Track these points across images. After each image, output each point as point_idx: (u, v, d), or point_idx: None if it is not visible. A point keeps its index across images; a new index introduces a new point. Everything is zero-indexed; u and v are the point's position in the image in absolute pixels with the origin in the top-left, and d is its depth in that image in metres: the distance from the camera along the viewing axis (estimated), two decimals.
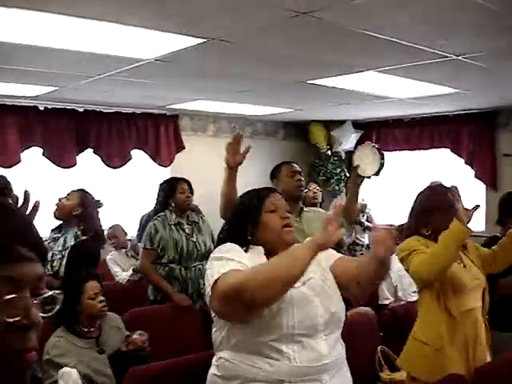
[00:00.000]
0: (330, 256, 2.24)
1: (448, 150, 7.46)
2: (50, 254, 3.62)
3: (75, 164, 6.66)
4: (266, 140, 8.43)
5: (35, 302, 0.81)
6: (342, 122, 8.16)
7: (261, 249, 2.12)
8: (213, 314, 2.11)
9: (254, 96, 6.05)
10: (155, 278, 4.19)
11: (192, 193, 4.44)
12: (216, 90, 5.73)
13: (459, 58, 4.05)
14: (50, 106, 6.47)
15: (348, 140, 8.10)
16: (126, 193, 7.09)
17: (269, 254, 2.11)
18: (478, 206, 2.76)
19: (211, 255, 2.13)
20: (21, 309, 0.79)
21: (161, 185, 4.57)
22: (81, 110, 6.71)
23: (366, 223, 7.10)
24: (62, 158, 6.55)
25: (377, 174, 3.34)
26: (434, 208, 2.91)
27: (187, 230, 4.30)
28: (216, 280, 1.92)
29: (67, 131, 6.58)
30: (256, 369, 1.92)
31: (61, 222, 3.94)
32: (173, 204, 4.33)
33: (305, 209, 3.62)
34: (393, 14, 3.10)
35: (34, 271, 0.82)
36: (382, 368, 3.65)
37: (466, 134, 7.23)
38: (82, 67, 4.49)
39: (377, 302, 4.81)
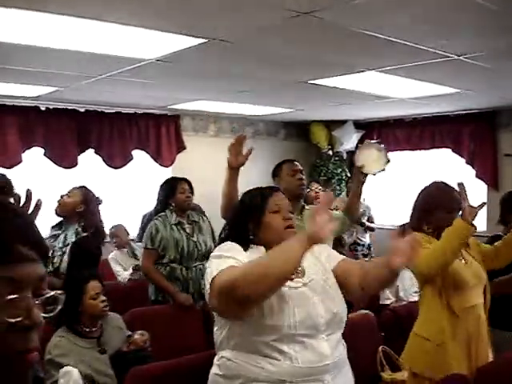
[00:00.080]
0: (333, 257, 2.24)
1: (449, 150, 7.46)
2: (50, 252, 3.62)
3: (76, 164, 6.67)
4: (267, 140, 8.43)
5: (37, 302, 0.81)
6: (343, 122, 8.16)
7: (262, 249, 2.12)
8: (214, 313, 2.12)
9: (254, 96, 6.05)
10: (157, 277, 4.18)
11: (192, 193, 4.44)
12: (217, 90, 5.74)
13: (460, 57, 4.05)
14: (51, 107, 6.48)
15: (349, 140, 8.10)
16: (127, 193, 7.10)
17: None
18: (484, 203, 2.75)
19: (211, 254, 2.13)
20: (22, 309, 0.79)
21: (161, 185, 4.58)
22: (82, 110, 6.72)
23: (367, 223, 7.10)
24: (64, 158, 6.57)
25: (383, 170, 3.35)
26: (437, 205, 2.90)
27: (188, 230, 4.30)
28: (213, 278, 1.94)
29: (68, 131, 6.60)
30: (258, 368, 1.92)
31: (61, 218, 3.95)
32: (173, 204, 4.33)
33: (306, 207, 3.62)
34: (393, 14, 3.11)
35: (35, 271, 0.82)
36: (383, 368, 3.64)
37: (467, 134, 7.23)
38: (83, 67, 4.50)
39: (378, 302, 4.81)
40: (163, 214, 4.30)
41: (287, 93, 5.81)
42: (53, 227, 3.97)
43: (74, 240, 3.75)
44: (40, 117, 6.43)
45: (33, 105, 6.36)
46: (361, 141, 7.64)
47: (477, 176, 7.13)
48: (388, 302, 4.77)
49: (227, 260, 1.98)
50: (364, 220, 7.04)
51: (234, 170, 3.03)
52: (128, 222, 6.23)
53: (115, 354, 2.97)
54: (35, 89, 5.51)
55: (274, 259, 1.86)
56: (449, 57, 4.03)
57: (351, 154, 8.28)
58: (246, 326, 1.96)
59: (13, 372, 0.79)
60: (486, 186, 7.10)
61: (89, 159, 6.87)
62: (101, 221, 4.01)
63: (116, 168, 7.02)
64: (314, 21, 3.18)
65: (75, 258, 3.66)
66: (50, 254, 3.51)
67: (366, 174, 3.36)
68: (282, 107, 6.97)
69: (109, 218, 5.35)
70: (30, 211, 2.00)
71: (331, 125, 8.32)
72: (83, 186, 4.01)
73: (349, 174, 8.26)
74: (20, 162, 6.23)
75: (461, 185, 2.78)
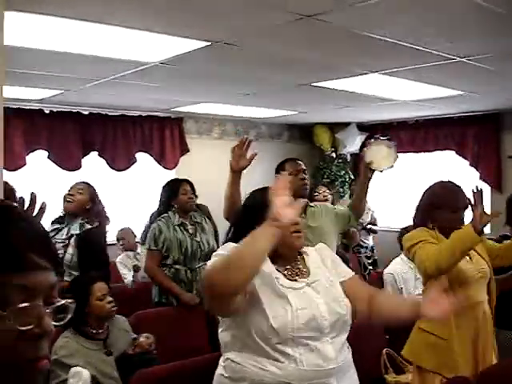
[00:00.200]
0: (342, 271, 2.22)
1: (453, 152, 7.45)
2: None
3: (80, 167, 6.68)
4: (271, 142, 8.44)
5: (48, 310, 0.81)
6: (346, 125, 8.16)
7: None
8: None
9: (258, 99, 6.05)
10: (161, 278, 4.18)
11: (195, 194, 4.45)
12: (221, 93, 5.75)
13: (464, 60, 4.05)
14: (55, 109, 6.50)
15: (353, 142, 8.10)
16: (130, 195, 7.10)
17: (273, 255, 2.07)
18: (499, 212, 2.71)
19: (213, 254, 2.13)
20: (34, 317, 0.79)
21: (163, 186, 4.59)
22: (86, 113, 6.74)
23: (369, 225, 7.10)
24: (67, 160, 6.58)
25: (392, 166, 3.36)
26: (441, 204, 2.86)
27: (191, 231, 4.31)
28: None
29: (72, 134, 6.61)
30: (263, 371, 1.92)
31: (59, 213, 4.00)
32: (175, 205, 4.34)
33: (310, 204, 3.62)
34: (397, 16, 3.11)
35: (47, 280, 0.82)
36: (387, 370, 3.65)
37: (471, 136, 7.23)
38: (87, 70, 4.51)
39: None
40: (166, 215, 4.31)
41: (291, 95, 5.81)
42: (53, 222, 4.00)
43: (78, 232, 3.81)
44: (44, 120, 6.45)
45: (37, 108, 6.38)
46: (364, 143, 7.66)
47: (481, 178, 7.12)
48: None
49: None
50: (367, 222, 7.04)
51: (236, 173, 3.05)
52: (131, 224, 6.24)
53: (120, 356, 2.97)
54: (39, 92, 5.53)
55: (242, 252, 1.82)
56: (453, 59, 4.03)
57: (355, 156, 8.30)
58: (250, 328, 1.95)
59: (23, 380, 0.79)
60: (489, 188, 7.09)
61: (92, 162, 6.88)
62: (105, 215, 4.07)
63: (120, 170, 7.03)
64: (317, 23, 3.19)
65: (84, 249, 3.73)
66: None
67: (374, 171, 3.36)
68: (286, 110, 6.98)
69: (112, 220, 5.37)
70: (34, 214, 2.01)
71: (335, 127, 8.32)
72: (87, 182, 4.05)
73: (352, 177, 8.26)
74: (24, 164, 6.25)
75: (477, 191, 2.73)
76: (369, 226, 7.09)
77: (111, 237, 5.97)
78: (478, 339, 2.80)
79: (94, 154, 6.87)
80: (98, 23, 3.21)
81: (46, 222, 3.77)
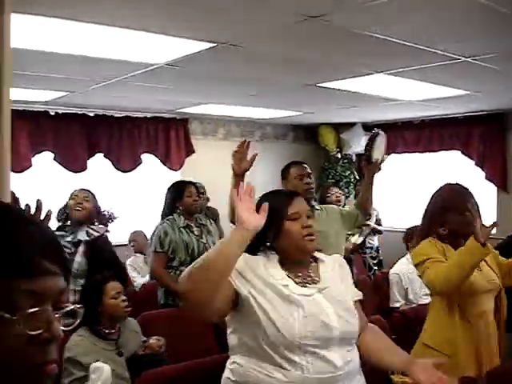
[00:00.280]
0: (351, 290, 2.19)
1: (458, 152, 7.43)
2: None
3: (86, 168, 6.71)
4: (276, 143, 8.44)
5: (56, 315, 0.82)
6: (351, 125, 8.15)
7: (274, 256, 2.11)
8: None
9: (263, 99, 6.06)
10: (167, 280, 4.19)
11: (199, 196, 4.44)
12: (226, 94, 5.75)
13: (469, 59, 4.04)
14: (60, 111, 6.52)
15: (358, 143, 8.08)
16: (135, 196, 7.12)
17: (284, 260, 2.08)
18: (496, 223, 2.68)
19: None
20: (43, 322, 0.79)
21: (168, 188, 4.59)
22: (91, 114, 6.76)
23: (373, 225, 7.09)
24: (73, 162, 6.60)
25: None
26: (449, 208, 2.82)
27: (196, 232, 4.31)
28: None
29: (78, 136, 6.64)
30: (270, 378, 1.90)
31: (60, 221, 4.01)
32: (180, 207, 4.34)
33: (316, 206, 3.63)
34: (402, 16, 3.11)
35: (56, 285, 0.83)
36: (393, 371, 3.63)
37: (477, 136, 7.20)
38: (92, 72, 4.52)
39: (388, 305, 4.80)
40: (171, 217, 4.31)
41: (296, 96, 5.82)
42: (56, 230, 4.01)
43: (86, 239, 3.80)
44: (50, 121, 6.48)
45: (42, 110, 6.40)
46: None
47: (486, 178, 7.10)
48: (397, 304, 4.76)
49: None
50: (372, 222, 7.02)
51: (238, 176, 3.06)
52: (137, 225, 6.26)
53: (131, 357, 2.97)
54: (45, 94, 5.55)
55: (213, 256, 1.88)
56: (458, 59, 4.02)
57: (360, 156, 8.28)
58: (257, 333, 1.94)
59: None
60: (495, 187, 7.08)
61: (98, 163, 6.91)
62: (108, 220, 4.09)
63: (125, 172, 7.05)
64: (322, 24, 3.19)
65: (95, 257, 3.74)
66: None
67: (380, 168, 3.44)
68: (291, 110, 6.98)
69: (118, 221, 5.39)
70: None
71: (340, 127, 8.31)
72: (87, 189, 4.05)
73: (357, 177, 8.25)
74: (30, 166, 6.27)
75: (472, 206, 2.74)
76: (373, 226, 7.07)
77: (123, 238, 6.02)
78: (482, 347, 2.76)
79: (99, 156, 6.89)
80: (103, 25, 3.22)
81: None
